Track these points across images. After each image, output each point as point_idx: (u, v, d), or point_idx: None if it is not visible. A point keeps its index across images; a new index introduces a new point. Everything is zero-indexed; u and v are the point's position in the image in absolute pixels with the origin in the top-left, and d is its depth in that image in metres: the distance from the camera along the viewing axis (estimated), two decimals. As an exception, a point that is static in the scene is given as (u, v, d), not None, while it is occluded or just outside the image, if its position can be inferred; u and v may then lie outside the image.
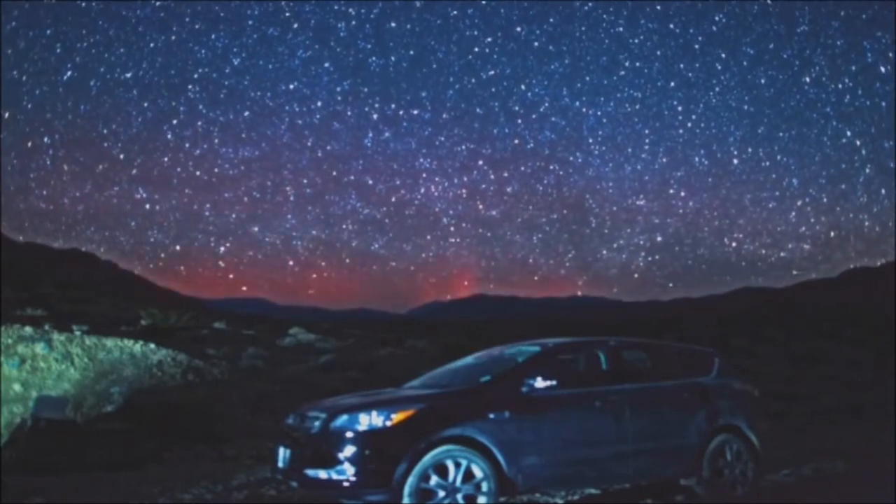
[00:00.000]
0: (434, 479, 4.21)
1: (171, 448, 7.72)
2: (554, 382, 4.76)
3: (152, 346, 13.15)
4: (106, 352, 12.64)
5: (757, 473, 5.57)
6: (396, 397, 4.73)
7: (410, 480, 4.15)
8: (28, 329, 12.85)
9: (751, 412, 5.80)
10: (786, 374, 21.46)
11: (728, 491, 5.31)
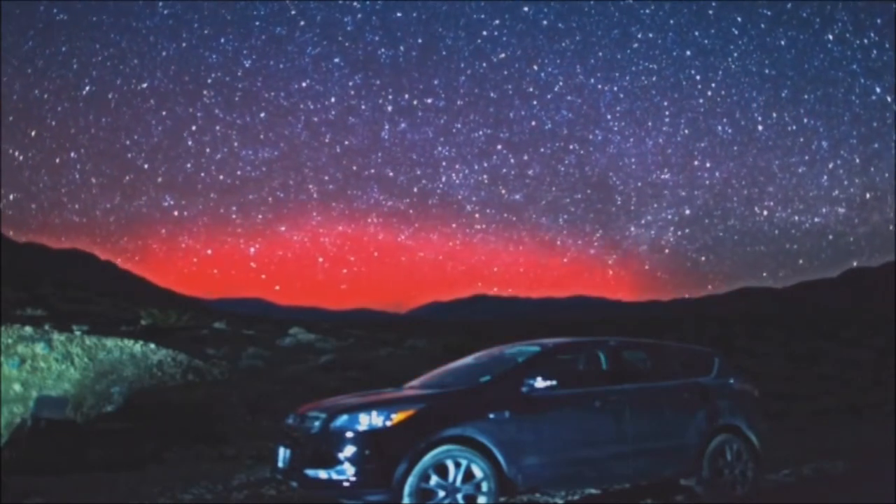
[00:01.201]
0: (434, 479, 4.21)
1: (171, 448, 7.71)
2: (554, 382, 4.76)
3: (152, 346, 13.15)
4: (106, 352, 12.64)
5: (757, 473, 5.56)
6: (396, 397, 4.73)
7: (410, 480, 4.15)
8: (28, 329, 12.86)
9: (751, 412, 5.79)
10: (786, 374, 21.46)
11: (728, 491, 5.31)
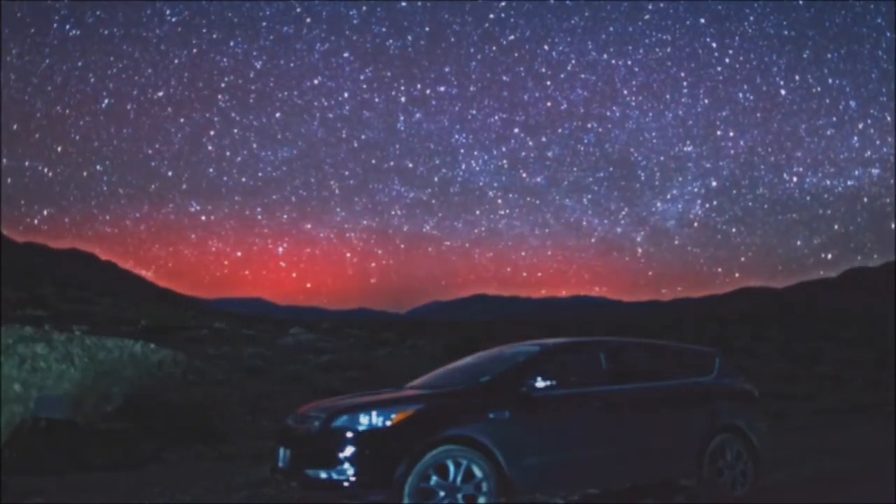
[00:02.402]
0: (434, 479, 4.21)
1: (171, 448, 7.71)
2: (554, 382, 4.76)
3: (152, 346, 13.15)
4: (106, 352, 12.63)
5: (757, 473, 5.57)
6: (396, 397, 4.73)
7: (410, 480, 4.14)
8: (28, 329, 12.85)
9: (751, 412, 5.80)
10: (786, 374, 21.47)
11: (728, 491, 5.31)
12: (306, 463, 4.34)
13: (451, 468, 4.26)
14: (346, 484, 4.16)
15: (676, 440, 5.24)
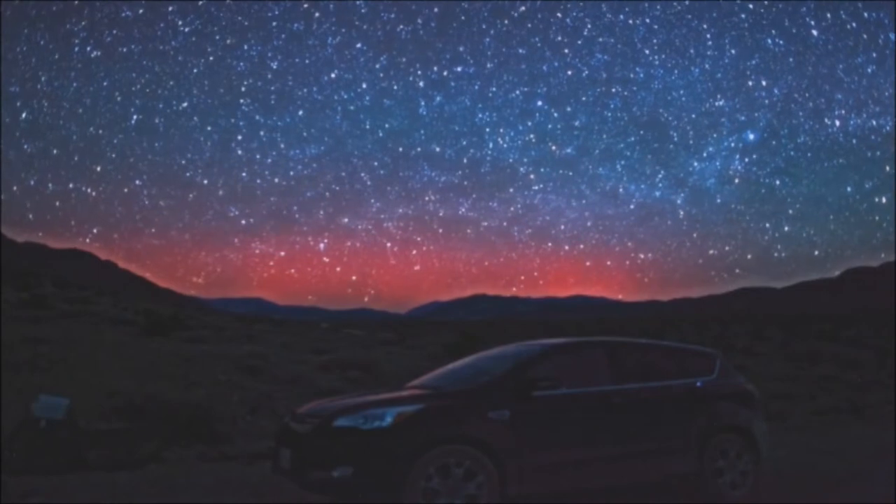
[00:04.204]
0: (434, 479, 4.21)
1: (171, 448, 7.71)
2: (554, 382, 4.76)
3: (152, 345, 13.16)
4: (106, 351, 12.63)
5: (757, 473, 5.57)
6: (396, 397, 4.73)
7: (411, 480, 4.14)
8: (28, 328, 12.86)
9: (751, 412, 5.80)
10: (786, 374, 21.47)
11: (728, 491, 5.31)
12: (306, 463, 4.34)
13: (452, 468, 4.26)
14: (346, 484, 4.16)
15: (677, 440, 5.23)
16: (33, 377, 10.39)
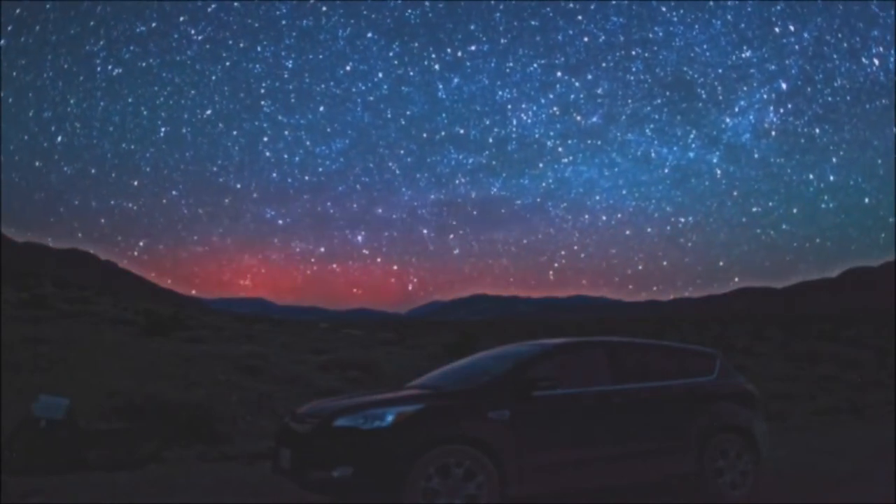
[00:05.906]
0: (434, 480, 4.21)
1: (171, 448, 7.72)
2: (554, 382, 4.76)
3: (152, 345, 13.15)
4: (106, 351, 12.62)
5: (757, 473, 5.57)
6: (396, 397, 4.73)
7: (411, 480, 4.14)
8: (28, 328, 12.85)
9: (751, 412, 5.80)
10: (786, 374, 21.48)
11: (728, 491, 5.32)
12: (306, 463, 4.33)
13: (452, 468, 4.26)
14: (346, 484, 4.16)
15: (677, 440, 5.24)
16: (33, 377, 10.39)
